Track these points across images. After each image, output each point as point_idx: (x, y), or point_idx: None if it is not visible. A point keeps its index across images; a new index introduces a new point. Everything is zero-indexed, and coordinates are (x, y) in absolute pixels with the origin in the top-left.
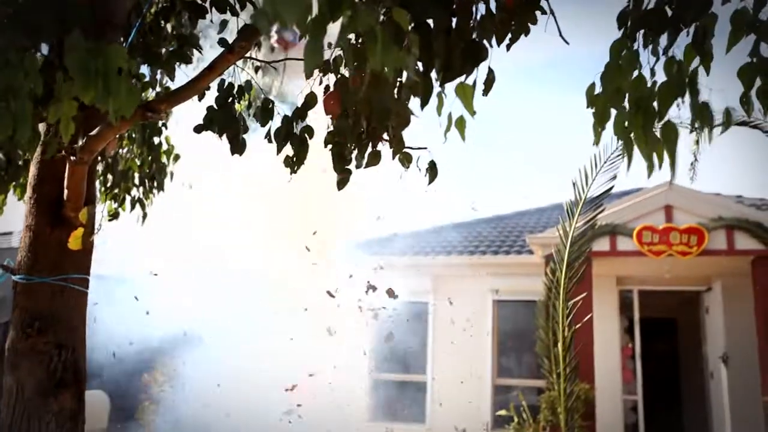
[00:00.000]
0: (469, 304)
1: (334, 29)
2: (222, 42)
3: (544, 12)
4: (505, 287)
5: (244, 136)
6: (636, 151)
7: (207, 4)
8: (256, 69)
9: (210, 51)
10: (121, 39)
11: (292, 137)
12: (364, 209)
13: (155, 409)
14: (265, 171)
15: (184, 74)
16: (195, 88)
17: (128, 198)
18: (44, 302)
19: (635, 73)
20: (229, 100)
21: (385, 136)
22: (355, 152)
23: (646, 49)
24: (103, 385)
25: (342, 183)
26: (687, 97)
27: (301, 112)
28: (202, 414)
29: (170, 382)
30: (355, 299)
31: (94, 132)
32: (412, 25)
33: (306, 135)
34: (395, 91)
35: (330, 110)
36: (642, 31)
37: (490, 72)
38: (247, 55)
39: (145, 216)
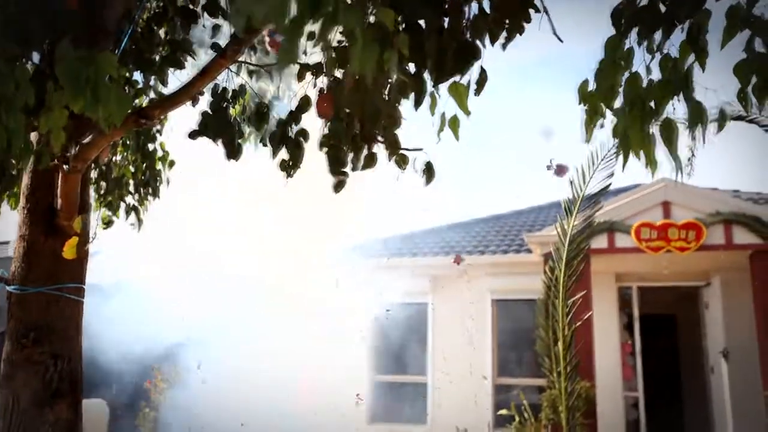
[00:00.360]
0: (468, 304)
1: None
2: (214, 46)
3: (537, 10)
4: (504, 286)
5: (239, 140)
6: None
7: (199, 9)
8: (250, 73)
9: (204, 56)
10: (113, 45)
11: (287, 141)
12: (362, 211)
13: (155, 416)
14: (260, 175)
15: (177, 80)
16: (188, 93)
17: (123, 205)
18: (39, 312)
19: (631, 71)
20: (224, 105)
21: (380, 138)
22: (351, 155)
23: (641, 47)
24: (102, 393)
25: (339, 186)
26: (682, 95)
27: (295, 116)
28: (204, 419)
29: (171, 388)
30: (354, 301)
31: (86, 140)
32: (404, 25)
33: (301, 138)
34: (386, 92)
35: (322, 113)
36: (636, 29)
37: (483, 72)
38: (241, 59)
39: (140, 223)
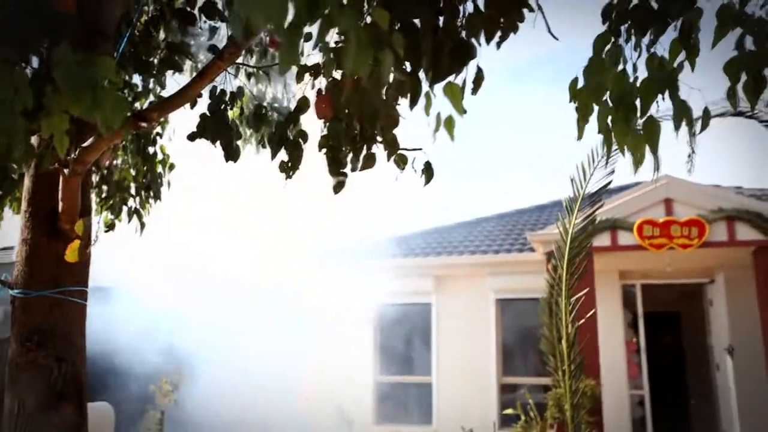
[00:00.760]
0: (471, 304)
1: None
2: (211, 48)
3: (532, 9)
4: (507, 285)
5: (238, 142)
6: (616, 145)
7: (196, 12)
8: (249, 75)
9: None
10: (112, 49)
11: (286, 142)
12: (364, 211)
13: (161, 419)
14: (260, 177)
15: (176, 82)
16: (186, 95)
17: (125, 208)
18: (43, 316)
19: (618, 69)
20: (222, 107)
21: (379, 138)
22: (350, 155)
23: (629, 44)
24: (108, 396)
25: (338, 187)
26: (668, 94)
27: (294, 117)
28: (210, 421)
29: (177, 391)
30: (357, 302)
31: (86, 143)
32: (399, 25)
33: (300, 139)
34: (383, 92)
35: (321, 113)
36: (626, 26)
37: (479, 71)
38: (239, 61)
39: (143, 226)
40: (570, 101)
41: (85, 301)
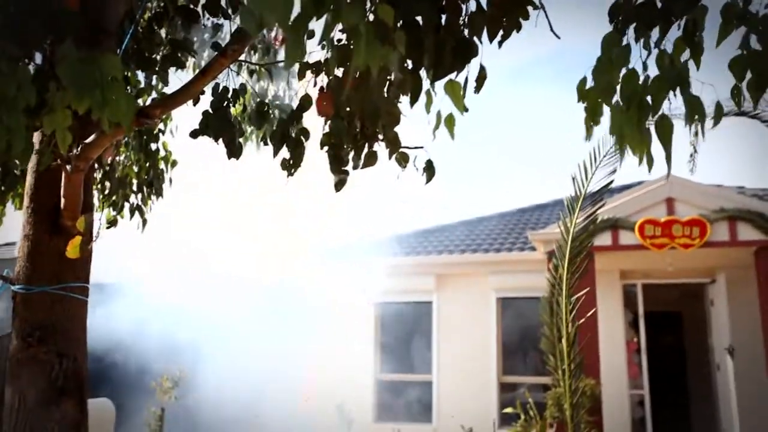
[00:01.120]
0: (472, 302)
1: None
2: (215, 46)
3: (535, 7)
4: (508, 284)
5: (240, 139)
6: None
7: (199, 9)
8: (251, 72)
9: (206, 56)
10: (115, 45)
11: (288, 140)
12: (364, 210)
13: (162, 415)
14: (262, 174)
15: (178, 79)
16: (189, 92)
17: (127, 205)
18: (44, 312)
19: (627, 68)
20: (224, 104)
21: (381, 136)
22: (352, 153)
23: (638, 43)
24: (109, 392)
25: (340, 185)
26: (679, 91)
27: (296, 115)
28: (211, 418)
29: (177, 388)
30: (358, 299)
31: (89, 140)
32: (401, 22)
33: (302, 137)
34: (384, 89)
35: (323, 111)
36: (633, 25)
37: (482, 69)
38: (242, 58)
39: (144, 223)
40: (578, 101)
41: (87, 297)
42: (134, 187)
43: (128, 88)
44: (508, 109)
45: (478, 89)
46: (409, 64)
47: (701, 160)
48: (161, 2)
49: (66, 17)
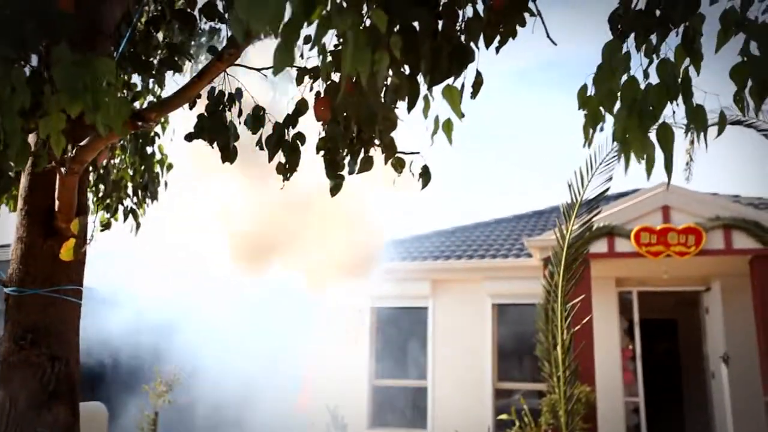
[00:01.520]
0: (468, 309)
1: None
2: (211, 50)
3: (532, 14)
4: (504, 291)
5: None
6: (632, 153)
7: (196, 13)
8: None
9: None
10: (112, 48)
11: (284, 144)
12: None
13: (155, 419)
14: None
15: (175, 83)
16: (184, 96)
17: (121, 208)
18: (37, 314)
19: (628, 75)
20: (220, 108)
21: (377, 141)
22: (348, 158)
23: (640, 51)
24: (102, 396)
25: (335, 189)
26: (680, 99)
27: (292, 119)
28: (204, 422)
29: (170, 392)
30: (354, 305)
31: (83, 142)
32: (397, 27)
33: (298, 142)
34: (381, 94)
35: (320, 116)
36: (634, 33)
37: (478, 74)
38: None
39: (138, 226)
40: (579, 109)
41: (80, 300)
42: (129, 191)
43: (124, 91)
44: (508, 116)
45: (474, 95)
46: (406, 69)
47: (697, 169)
48: (158, 6)
49: (61, 19)
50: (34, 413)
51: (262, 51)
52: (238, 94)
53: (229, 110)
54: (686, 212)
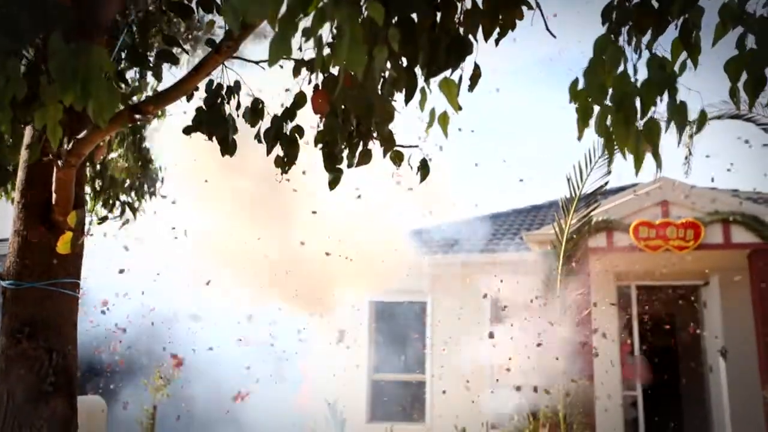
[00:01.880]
0: (467, 302)
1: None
2: (209, 42)
3: (530, 7)
4: (503, 285)
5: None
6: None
7: (193, 5)
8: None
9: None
10: (109, 41)
11: (282, 137)
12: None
13: (153, 413)
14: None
15: (172, 75)
16: (182, 89)
17: (118, 202)
18: (34, 307)
19: (619, 70)
20: (218, 101)
21: (375, 134)
22: (346, 151)
23: (630, 46)
24: (101, 389)
25: (334, 183)
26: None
27: (290, 112)
28: (203, 416)
29: (169, 386)
30: (353, 298)
31: (81, 135)
32: (395, 20)
33: (296, 135)
34: (378, 86)
35: (318, 109)
36: (627, 27)
37: (476, 67)
38: (236, 55)
39: (135, 218)
40: (570, 102)
41: (77, 293)
42: (126, 185)
43: (121, 84)
44: (506, 109)
45: (472, 88)
46: (404, 61)
47: (696, 163)
48: None
49: (58, 11)
50: (31, 406)
51: (258, 44)
52: (236, 86)
53: (228, 103)
54: (685, 207)
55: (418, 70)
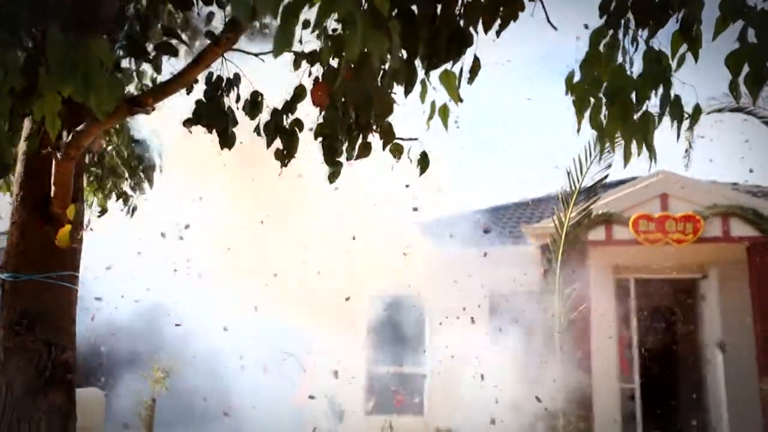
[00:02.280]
0: (465, 295)
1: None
2: (208, 34)
3: None
4: (501, 278)
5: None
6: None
7: None
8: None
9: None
10: (110, 34)
11: (282, 131)
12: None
13: (152, 405)
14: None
15: (172, 68)
16: (182, 81)
17: (114, 192)
18: (32, 300)
19: (615, 63)
20: (218, 93)
21: (375, 126)
22: (346, 144)
23: (626, 38)
24: (99, 382)
25: (333, 176)
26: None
27: (290, 105)
28: (201, 409)
29: (168, 378)
30: (351, 290)
31: (80, 128)
32: (396, 11)
33: (296, 128)
34: (378, 78)
35: (318, 101)
36: (623, 21)
37: (476, 60)
38: (236, 47)
39: (135, 209)
40: (566, 94)
41: (76, 285)
42: (126, 175)
43: (120, 75)
44: (507, 103)
45: (471, 80)
46: (404, 53)
47: (696, 156)
48: None
49: (57, 3)
50: (30, 399)
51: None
52: (236, 79)
53: (227, 95)
54: (684, 200)
55: (417, 62)
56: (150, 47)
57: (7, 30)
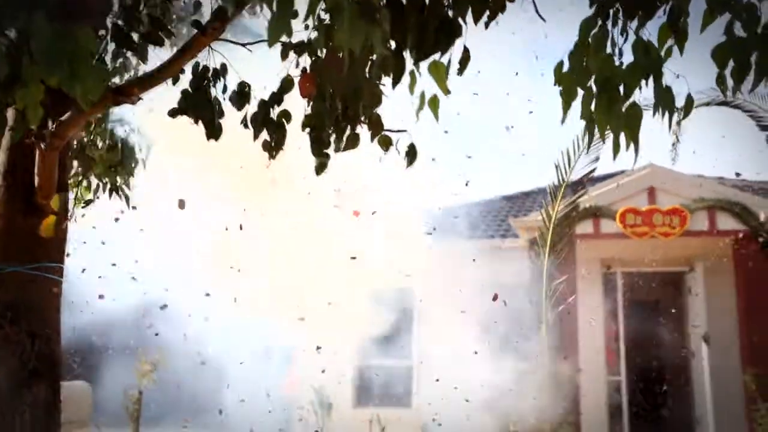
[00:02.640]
0: (454, 288)
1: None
2: (195, 23)
3: None
4: (490, 270)
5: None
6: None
7: None
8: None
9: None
10: (95, 24)
11: (269, 122)
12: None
13: (140, 398)
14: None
15: (158, 57)
16: (167, 71)
17: (100, 184)
18: (17, 291)
19: (604, 53)
20: (204, 84)
21: (363, 118)
22: (334, 136)
23: (615, 28)
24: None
25: (321, 168)
26: (652, 80)
27: (277, 96)
28: (189, 402)
29: (156, 371)
30: (340, 284)
31: (64, 117)
32: (384, 1)
33: (283, 120)
34: (366, 69)
35: (305, 93)
36: (612, 10)
37: (466, 50)
38: (224, 37)
39: (128, 199)
40: (554, 84)
41: (61, 277)
42: (107, 167)
43: (106, 65)
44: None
45: (461, 71)
46: (392, 44)
47: (683, 150)
48: None
49: None
50: (13, 392)
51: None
52: (222, 69)
53: (214, 86)
54: (672, 193)
55: (406, 53)
56: (135, 37)
57: None
